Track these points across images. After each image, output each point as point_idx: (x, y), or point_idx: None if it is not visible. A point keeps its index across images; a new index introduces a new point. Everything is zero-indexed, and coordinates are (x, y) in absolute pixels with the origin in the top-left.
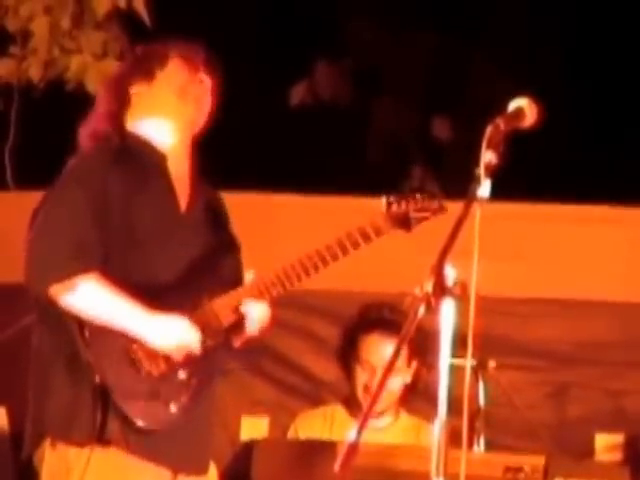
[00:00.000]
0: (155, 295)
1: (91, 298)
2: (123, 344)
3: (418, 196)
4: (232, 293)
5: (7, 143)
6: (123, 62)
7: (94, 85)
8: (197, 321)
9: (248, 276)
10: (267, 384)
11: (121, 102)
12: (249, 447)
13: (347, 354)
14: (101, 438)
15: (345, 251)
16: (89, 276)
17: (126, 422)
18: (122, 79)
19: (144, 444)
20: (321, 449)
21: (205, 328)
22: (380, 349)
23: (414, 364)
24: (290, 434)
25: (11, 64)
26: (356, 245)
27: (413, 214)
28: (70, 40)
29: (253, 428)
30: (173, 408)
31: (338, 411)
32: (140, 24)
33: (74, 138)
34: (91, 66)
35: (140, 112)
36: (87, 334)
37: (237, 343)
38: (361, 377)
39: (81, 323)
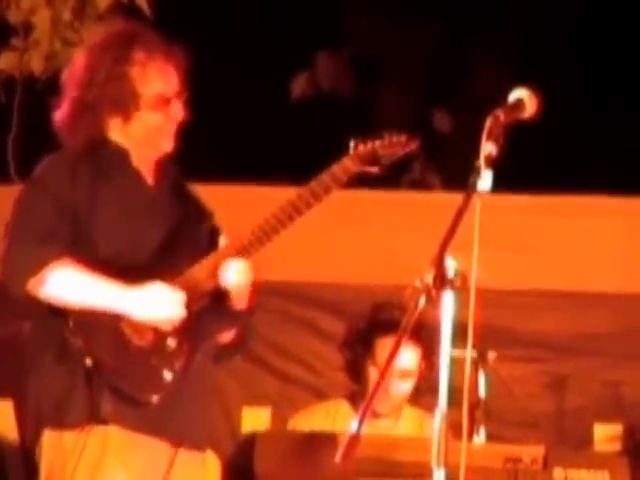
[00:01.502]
0: (133, 274)
1: (68, 284)
2: (109, 323)
3: (386, 135)
4: (209, 257)
5: (10, 135)
6: (104, 47)
7: None
8: (179, 287)
9: (222, 240)
10: (269, 375)
11: (90, 113)
12: (251, 439)
13: (359, 355)
14: (97, 418)
15: (318, 197)
16: (60, 263)
17: (122, 399)
18: (97, 95)
19: (141, 419)
20: (323, 440)
21: (188, 294)
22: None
23: (422, 365)
24: (288, 429)
25: (13, 56)
26: (328, 189)
27: (382, 151)
28: (72, 32)
29: (255, 419)
30: (167, 375)
31: (342, 406)
32: (141, 16)
33: None
34: None
35: (110, 132)
36: (72, 321)
37: (236, 306)
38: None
39: (65, 311)
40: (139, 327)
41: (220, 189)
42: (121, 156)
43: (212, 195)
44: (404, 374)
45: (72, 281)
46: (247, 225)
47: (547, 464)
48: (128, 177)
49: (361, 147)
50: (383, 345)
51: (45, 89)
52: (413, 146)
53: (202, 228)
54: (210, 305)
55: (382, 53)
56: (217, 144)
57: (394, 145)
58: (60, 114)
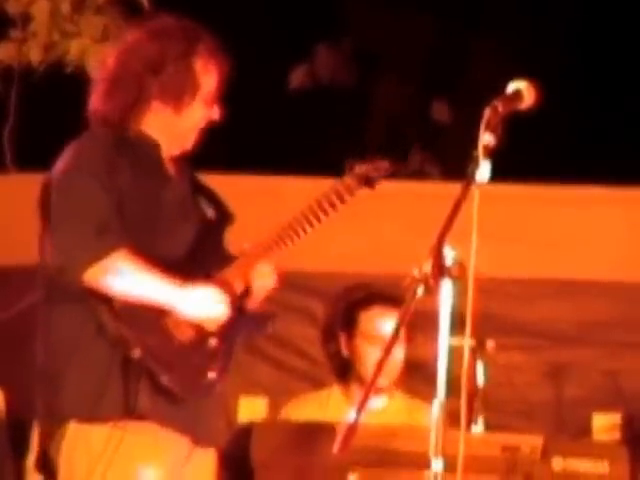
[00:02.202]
0: (169, 271)
1: (126, 275)
2: (153, 316)
3: (373, 158)
4: (239, 261)
5: (7, 126)
6: (159, 38)
7: (94, 68)
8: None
9: (245, 245)
10: (265, 365)
11: (136, 99)
12: (248, 428)
13: (342, 332)
14: (134, 412)
15: (326, 212)
16: (119, 253)
17: (160, 394)
18: (148, 74)
19: (172, 415)
20: (320, 430)
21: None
22: (384, 321)
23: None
24: (280, 418)
25: (11, 47)
26: (333, 206)
27: (372, 173)
28: (70, 24)
29: (251, 409)
30: (211, 374)
31: (334, 394)
32: (140, 8)
33: (74, 121)
34: (91, 50)
35: (148, 122)
36: (117, 309)
37: (248, 306)
38: (372, 353)
39: (108, 299)
40: (181, 323)
41: (218, 179)
42: (155, 149)
43: (210, 184)
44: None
45: (130, 272)
46: (244, 214)
47: (546, 453)
48: (162, 171)
49: (357, 169)
50: (367, 317)
51: (43, 80)
52: (393, 170)
53: (226, 226)
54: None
55: (381, 45)
56: (215, 134)
57: (379, 169)
58: (97, 94)
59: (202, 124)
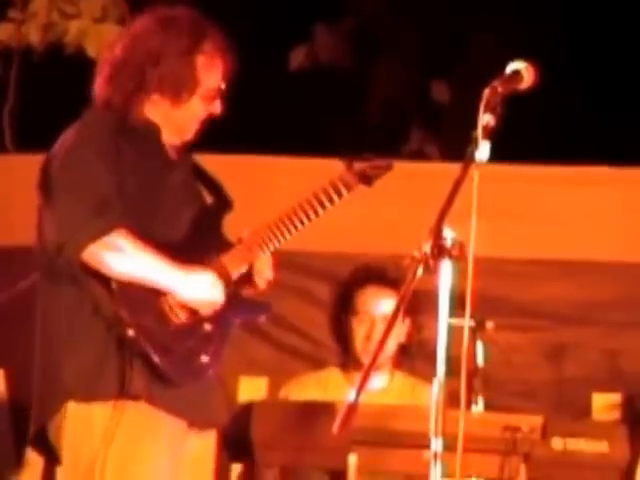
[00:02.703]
0: (169, 254)
1: (125, 254)
2: (148, 297)
3: (369, 156)
4: (237, 247)
5: (6, 106)
6: (160, 31)
7: (93, 49)
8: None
9: (244, 233)
10: (265, 345)
11: (136, 87)
12: (248, 408)
13: (341, 314)
14: (128, 393)
15: (323, 206)
16: (119, 232)
17: (154, 376)
18: (149, 65)
19: (167, 397)
20: (320, 410)
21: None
22: (376, 300)
23: (407, 322)
24: (280, 398)
25: (11, 28)
26: (331, 200)
27: (370, 171)
28: (69, 4)
29: (251, 389)
30: (204, 358)
31: (333, 374)
32: None
33: (73, 102)
34: (90, 30)
35: (149, 112)
36: (113, 289)
37: (246, 294)
38: (359, 329)
39: (105, 279)
40: (176, 306)
41: (218, 159)
42: (156, 134)
43: (210, 165)
44: (386, 319)
45: (130, 252)
46: (245, 195)
47: (545, 433)
48: (163, 155)
49: (356, 166)
50: (361, 295)
51: (42, 61)
52: (389, 170)
53: (223, 213)
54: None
55: (381, 25)
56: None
57: (377, 168)
58: (102, 78)
59: (202, 117)
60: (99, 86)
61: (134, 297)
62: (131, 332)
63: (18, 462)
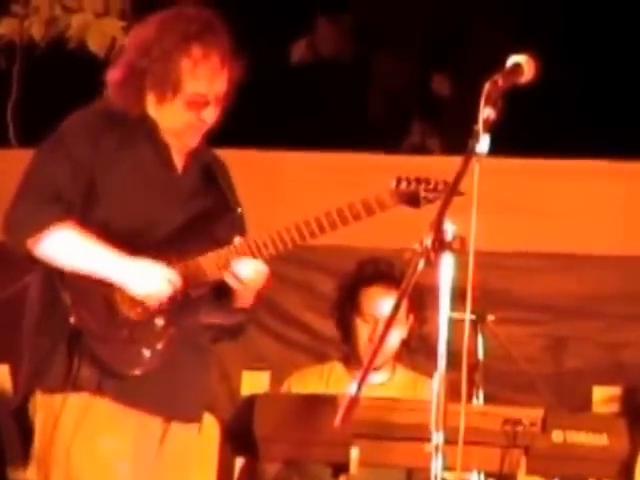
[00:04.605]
0: (142, 250)
1: (64, 247)
2: (102, 288)
3: (431, 179)
4: (222, 250)
5: (10, 101)
6: (155, 29)
7: (95, 43)
8: (180, 271)
9: (236, 239)
10: (268, 338)
11: (129, 79)
12: (250, 402)
13: (346, 310)
14: (75, 383)
15: (345, 221)
16: (61, 225)
17: (101, 367)
18: (146, 67)
19: (124, 390)
20: (322, 403)
21: (188, 279)
22: (381, 301)
23: (411, 318)
24: (283, 390)
25: (13, 23)
26: (357, 217)
27: (424, 193)
28: None
29: (254, 383)
30: (146, 353)
31: (336, 368)
32: None
33: (76, 96)
34: (92, 25)
35: (148, 107)
36: (66, 278)
37: (237, 304)
38: (363, 330)
39: (62, 269)
40: (130, 298)
41: (219, 153)
42: (152, 127)
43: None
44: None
45: (69, 245)
46: (245, 189)
47: (546, 426)
48: (155, 149)
49: (404, 185)
50: (367, 295)
51: (45, 55)
52: (458, 195)
53: (223, 222)
54: (209, 296)
55: (382, 17)
56: None
57: (439, 191)
58: (112, 73)
59: (192, 123)
60: (108, 75)
61: (82, 286)
62: (72, 319)
63: (24, 457)
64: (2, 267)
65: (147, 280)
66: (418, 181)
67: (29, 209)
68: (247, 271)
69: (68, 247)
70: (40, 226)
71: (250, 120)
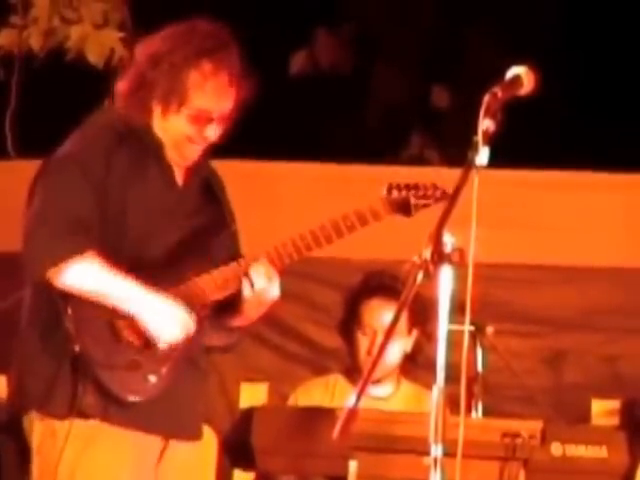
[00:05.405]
0: (143, 271)
1: (87, 279)
2: (105, 314)
3: (420, 184)
4: (220, 269)
5: (8, 112)
6: (163, 42)
7: (94, 54)
8: (181, 294)
9: (232, 264)
10: (266, 351)
11: (137, 91)
12: (249, 414)
13: (348, 322)
14: (80, 410)
15: (340, 233)
16: (84, 257)
17: (106, 393)
18: (154, 78)
19: (127, 414)
20: (320, 416)
21: (189, 301)
22: (381, 314)
23: (415, 333)
24: (290, 403)
25: (12, 33)
26: (352, 228)
27: (414, 200)
28: (70, 10)
29: (252, 395)
30: (152, 379)
31: (339, 381)
32: None
33: (75, 107)
34: (91, 36)
35: (153, 119)
36: (70, 303)
37: (240, 320)
38: (363, 342)
39: (66, 294)
40: (133, 323)
41: (218, 164)
42: (158, 147)
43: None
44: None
45: (91, 277)
46: (241, 201)
47: (545, 439)
48: (162, 171)
49: (395, 193)
50: (368, 307)
51: (43, 66)
52: (446, 199)
53: (218, 238)
54: (209, 317)
55: (381, 30)
56: None
57: (429, 197)
58: (121, 83)
59: (195, 139)
60: (117, 86)
61: (87, 312)
62: (77, 348)
63: (21, 471)
64: (2, 277)
65: (166, 324)
66: (408, 187)
67: (49, 238)
68: (268, 278)
69: (91, 279)
70: (61, 258)
71: (249, 131)
